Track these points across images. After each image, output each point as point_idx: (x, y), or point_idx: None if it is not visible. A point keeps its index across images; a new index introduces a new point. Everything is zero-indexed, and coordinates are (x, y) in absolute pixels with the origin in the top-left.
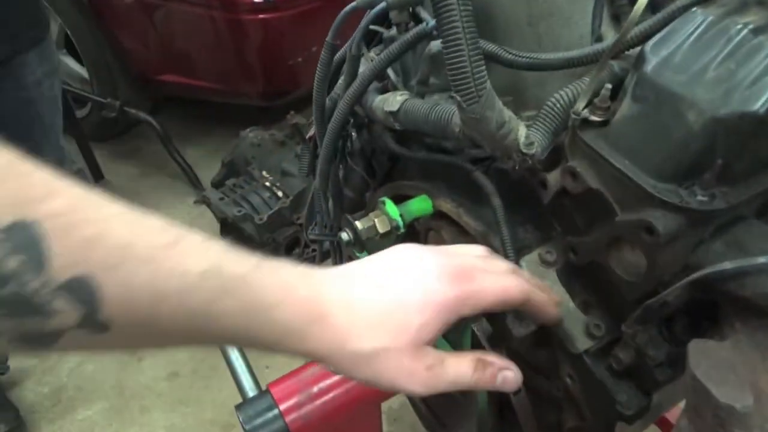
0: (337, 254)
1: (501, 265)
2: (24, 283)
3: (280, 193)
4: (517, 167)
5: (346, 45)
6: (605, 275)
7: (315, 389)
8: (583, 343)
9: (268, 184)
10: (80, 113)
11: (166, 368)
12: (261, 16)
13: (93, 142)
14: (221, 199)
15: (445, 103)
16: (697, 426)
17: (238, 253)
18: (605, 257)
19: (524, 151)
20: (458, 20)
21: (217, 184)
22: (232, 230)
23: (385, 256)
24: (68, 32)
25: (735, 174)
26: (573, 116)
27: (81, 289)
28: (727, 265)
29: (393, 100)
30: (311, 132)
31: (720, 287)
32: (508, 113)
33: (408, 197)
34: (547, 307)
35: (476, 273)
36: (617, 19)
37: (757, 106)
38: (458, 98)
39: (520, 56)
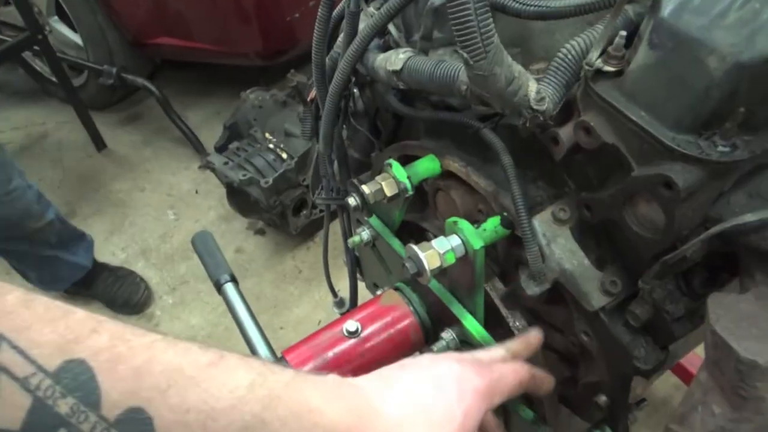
0: (345, 217)
1: (498, 354)
2: (79, 424)
3: (284, 155)
4: (527, 124)
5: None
6: (620, 232)
7: (330, 354)
8: (598, 301)
9: (271, 146)
10: (77, 81)
11: (182, 333)
12: None
13: (92, 111)
14: (225, 163)
15: (451, 59)
16: (717, 381)
17: (277, 365)
18: (621, 213)
19: (535, 107)
20: None
21: (221, 149)
22: (237, 194)
23: (413, 362)
24: None
25: (758, 122)
26: (586, 67)
27: (136, 421)
28: (750, 217)
29: (396, 59)
30: (312, 94)
31: (741, 240)
32: (517, 68)
33: (415, 158)
34: (547, 379)
35: (491, 364)
36: None
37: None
38: (464, 55)
39: (528, 5)
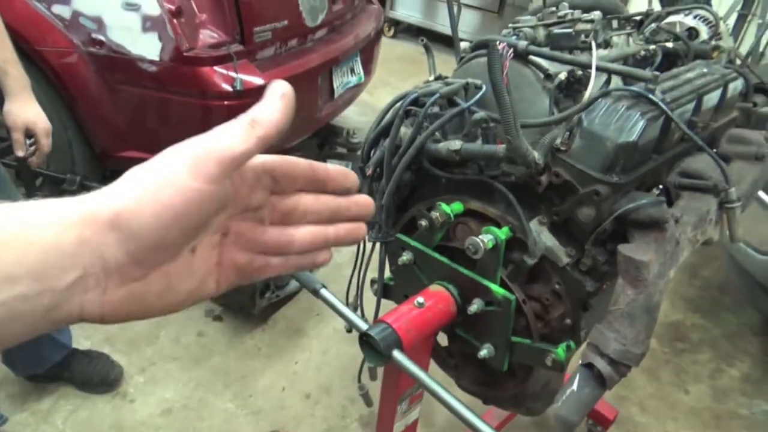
0: (386, 254)
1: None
2: None
3: None
4: (527, 173)
5: (389, 114)
6: (573, 223)
7: (407, 317)
8: (565, 260)
9: None
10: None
11: (159, 406)
12: (227, 102)
13: None
14: None
15: (487, 145)
16: (626, 279)
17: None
18: (575, 213)
19: (537, 162)
20: (509, 104)
21: None
22: None
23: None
24: None
25: (629, 167)
26: (554, 146)
27: None
28: (630, 205)
29: (454, 143)
30: (369, 171)
31: (627, 217)
32: (527, 145)
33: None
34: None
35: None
36: (557, 103)
37: (633, 137)
38: (508, 137)
39: (527, 122)
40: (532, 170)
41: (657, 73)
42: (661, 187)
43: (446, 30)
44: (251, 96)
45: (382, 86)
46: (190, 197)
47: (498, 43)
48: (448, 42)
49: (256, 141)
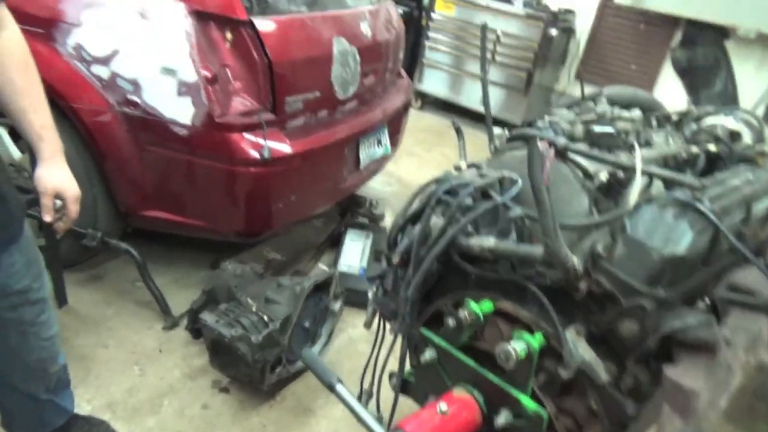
0: (408, 347)
1: None
2: None
3: (265, 317)
4: (566, 279)
5: (418, 200)
6: (613, 336)
7: (430, 425)
8: (604, 377)
9: (254, 309)
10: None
11: None
12: (253, 169)
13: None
14: (217, 321)
15: (523, 245)
16: (673, 407)
17: None
18: (615, 325)
19: (577, 268)
20: (549, 207)
21: (197, 310)
22: (223, 350)
23: None
24: None
25: (676, 279)
26: (595, 253)
27: None
28: (677, 324)
29: (488, 240)
30: (397, 259)
31: (673, 336)
32: (567, 250)
33: (461, 304)
34: None
35: None
36: (596, 204)
37: (682, 250)
38: (547, 241)
39: (566, 223)
40: (571, 276)
41: (705, 181)
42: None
43: (472, 105)
44: (278, 164)
45: (408, 156)
46: None
47: (539, 140)
48: (473, 116)
49: None
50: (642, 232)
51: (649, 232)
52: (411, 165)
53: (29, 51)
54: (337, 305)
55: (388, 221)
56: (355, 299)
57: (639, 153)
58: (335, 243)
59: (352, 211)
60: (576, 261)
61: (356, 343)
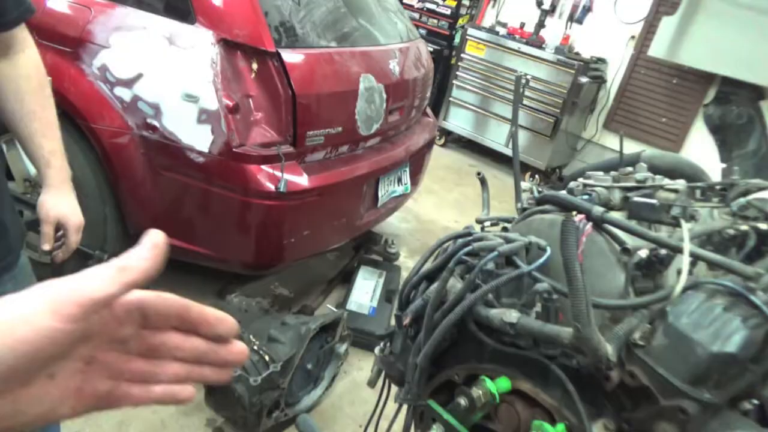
0: (413, 419)
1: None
2: None
3: (267, 357)
4: (600, 367)
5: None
6: None
7: None
8: None
9: (255, 347)
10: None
11: None
12: (268, 202)
13: None
14: None
15: (549, 324)
16: None
17: None
18: (651, 427)
19: (610, 358)
20: (582, 287)
21: None
22: (219, 390)
23: None
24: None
25: (721, 383)
26: (631, 341)
27: None
28: None
29: (510, 315)
30: (407, 320)
31: None
32: (599, 336)
33: (474, 376)
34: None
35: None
36: (632, 282)
37: (733, 348)
38: (578, 326)
39: (599, 302)
40: (602, 364)
41: (761, 271)
42: (755, 401)
43: (494, 145)
44: (294, 198)
45: (427, 194)
46: (45, 335)
47: (574, 216)
48: (495, 156)
49: (120, 286)
50: (686, 323)
51: (695, 323)
52: (430, 203)
53: (45, 73)
54: (342, 348)
55: (402, 260)
56: (362, 340)
57: (687, 232)
58: (346, 279)
59: (367, 247)
60: (610, 350)
61: (359, 388)
